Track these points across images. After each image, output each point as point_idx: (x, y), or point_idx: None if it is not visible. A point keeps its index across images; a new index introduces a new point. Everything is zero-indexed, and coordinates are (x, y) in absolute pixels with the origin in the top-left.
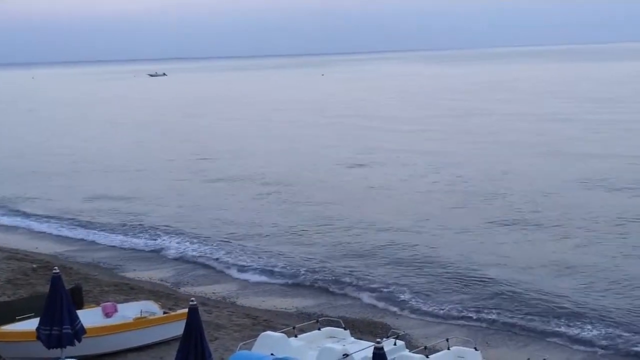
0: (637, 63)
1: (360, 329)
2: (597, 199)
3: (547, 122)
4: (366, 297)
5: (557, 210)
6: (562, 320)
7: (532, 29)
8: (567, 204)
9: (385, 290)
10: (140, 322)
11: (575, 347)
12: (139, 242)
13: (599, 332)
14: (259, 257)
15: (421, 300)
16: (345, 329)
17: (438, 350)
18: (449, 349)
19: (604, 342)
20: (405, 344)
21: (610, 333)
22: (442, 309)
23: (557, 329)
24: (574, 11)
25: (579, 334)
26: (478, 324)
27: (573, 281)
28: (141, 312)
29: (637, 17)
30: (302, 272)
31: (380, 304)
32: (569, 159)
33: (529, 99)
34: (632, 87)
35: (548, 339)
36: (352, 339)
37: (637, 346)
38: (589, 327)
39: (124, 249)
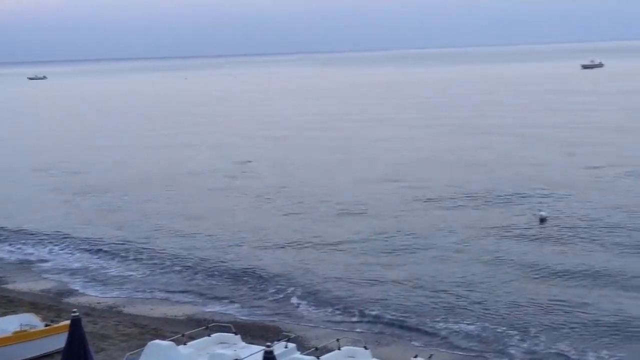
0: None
1: (251, 333)
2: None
3: (397, 127)
4: (257, 301)
5: (424, 217)
6: (446, 318)
7: (425, 31)
8: (434, 211)
9: (276, 293)
10: (20, 336)
11: (457, 343)
12: (19, 252)
13: (477, 328)
14: (146, 264)
15: (312, 303)
16: (236, 334)
17: (329, 351)
18: (339, 349)
19: (484, 338)
20: (297, 346)
21: (487, 328)
22: (332, 311)
23: (441, 325)
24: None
25: (459, 330)
26: (367, 324)
27: (453, 280)
28: (21, 325)
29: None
30: (191, 277)
31: (272, 308)
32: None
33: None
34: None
35: (433, 336)
36: (243, 344)
37: (511, 344)
38: (467, 323)
39: (2, 260)
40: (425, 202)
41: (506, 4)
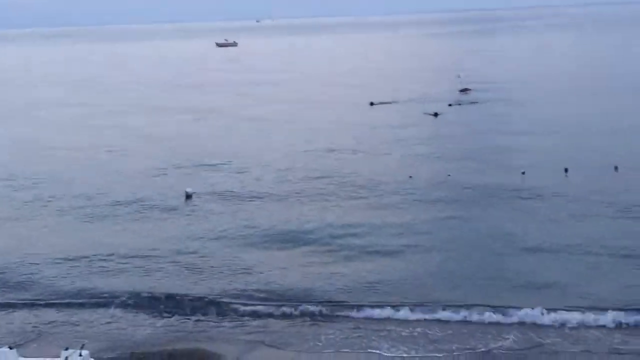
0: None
1: None
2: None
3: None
4: None
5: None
6: (94, 309)
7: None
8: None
9: None
10: None
11: (108, 330)
12: None
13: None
14: None
15: None
16: None
17: None
18: None
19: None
20: None
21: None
22: None
23: (91, 314)
24: None
25: (113, 315)
26: (16, 323)
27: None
28: None
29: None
30: None
31: None
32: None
33: None
34: None
35: (88, 325)
36: None
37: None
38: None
39: None
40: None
41: None
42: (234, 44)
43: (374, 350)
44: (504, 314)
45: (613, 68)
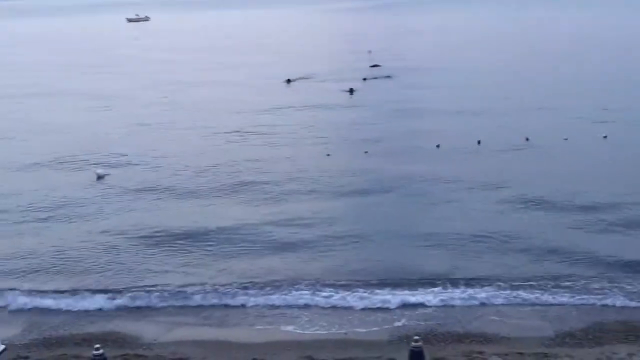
0: None
1: None
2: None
3: None
4: None
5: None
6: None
7: None
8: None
9: None
10: None
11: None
12: None
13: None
14: None
15: None
16: None
17: None
18: None
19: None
20: None
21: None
22: None
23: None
24: None
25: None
26: None
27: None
28: None
29: None
30: None
31: None
32: None
33: None
34: None
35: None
36: None
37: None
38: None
39: None
40: None
41: None
42: (146, 19)
43: (291, 328)
44: (421, 293)
45: (532, 42)
